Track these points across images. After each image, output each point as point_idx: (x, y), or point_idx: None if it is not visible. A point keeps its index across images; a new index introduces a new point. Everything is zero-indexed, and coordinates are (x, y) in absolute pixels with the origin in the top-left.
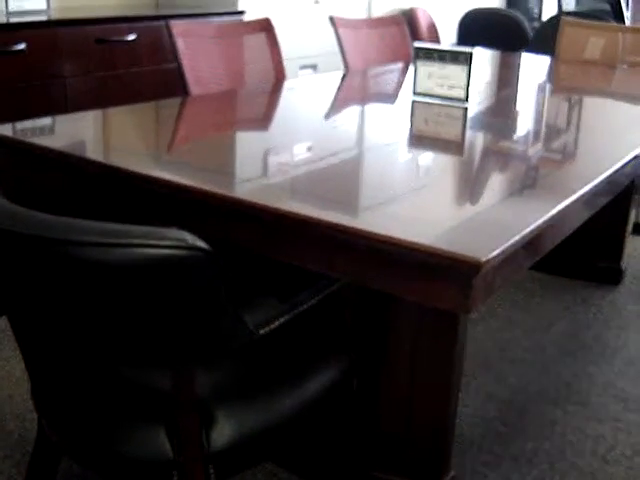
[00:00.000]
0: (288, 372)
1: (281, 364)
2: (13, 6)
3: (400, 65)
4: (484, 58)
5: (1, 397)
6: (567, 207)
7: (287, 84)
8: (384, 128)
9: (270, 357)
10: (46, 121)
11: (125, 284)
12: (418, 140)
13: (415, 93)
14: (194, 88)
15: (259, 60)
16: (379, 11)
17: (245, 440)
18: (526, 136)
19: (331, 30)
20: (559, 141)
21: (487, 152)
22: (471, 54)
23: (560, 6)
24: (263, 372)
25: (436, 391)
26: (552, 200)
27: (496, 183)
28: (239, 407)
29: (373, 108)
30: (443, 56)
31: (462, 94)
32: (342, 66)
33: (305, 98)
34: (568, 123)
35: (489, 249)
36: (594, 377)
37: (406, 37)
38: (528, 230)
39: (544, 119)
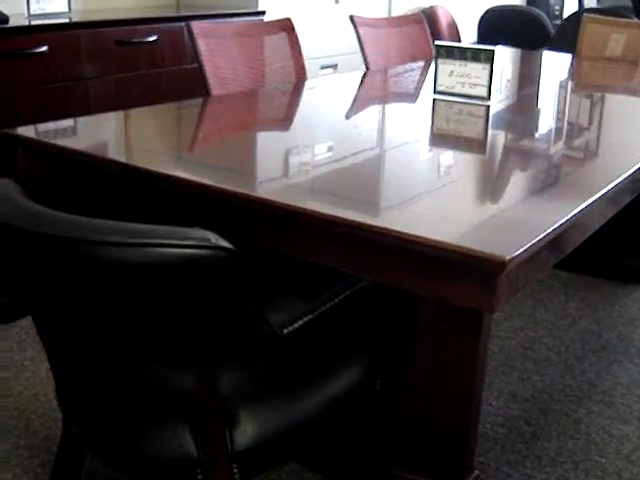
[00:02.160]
0: (311, 372)
1: (305, 364)
2: (35, 8)
3: (421, 64)
4: (505, 56)
5: (26, 397)
6: (590, 205)
7: (308, 84)
8: (405, 127)
9: (294, 357)
10: (68, 123)
11: (149, 284)
12: (440, 139)
13: (436, 92)
14: (215, 89)
15: (280, 60)
16: (399, 10)
17: (269, 440)
18: (548, 134)
19: (352, 30)
20: (581, 139)
21: (509, 150)
22: (493, 52)
23: (581, 3)
24: (287, 372)
25: (459, 390)
26: (575, 198)
27: (519, 181)
28: (263, 407)
29: (394, 107)
30: (464, 54)
31: (484, 92)
32: (363, 65)
33: (326, 98)
34: (590, 121)
35: (513, 247)
36: (618, 376)
37: (426, 35)
38: (552, 228)
39: (566, 117)
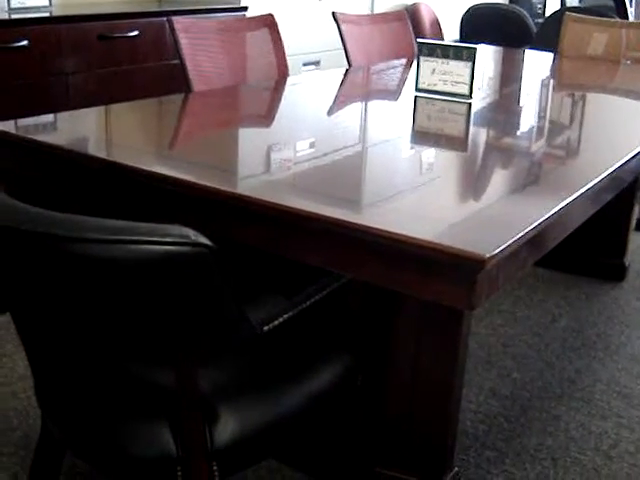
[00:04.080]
0: (292, 369)
1: (285, 361)
2: (15, 2)
3: (403, 61)
4: (487, 54)
5: (4, 394)
6: (571, 203)
7: (290, 80)
8: (387, 124)
9: (274, 354)
10: (48, 118)
11: (128, 281)
12: (421, 136)
13: (418, 89)
14: (196, 84)
15: (262, 56)
16: (382, 7)
17: (249, 437)
18: (530, 132)
19: (334, 26)
20: (563, 137)
21: (491, 148)
22: (475, 50)
23: (563, 2)
24: (267, 369)
25: (439, 387)
26: (556, 196)
27: (500, 179)
28: (243, 404)
29: (376, 104)
30: (446, 52)
31: (466, 90)
32: (345, 62)
33: (308, 94)
34: (571, 119)
35: (493, 245)
36: (598, 373)
37: (409, 33)
38: (532, 226)
39: (547, 115)
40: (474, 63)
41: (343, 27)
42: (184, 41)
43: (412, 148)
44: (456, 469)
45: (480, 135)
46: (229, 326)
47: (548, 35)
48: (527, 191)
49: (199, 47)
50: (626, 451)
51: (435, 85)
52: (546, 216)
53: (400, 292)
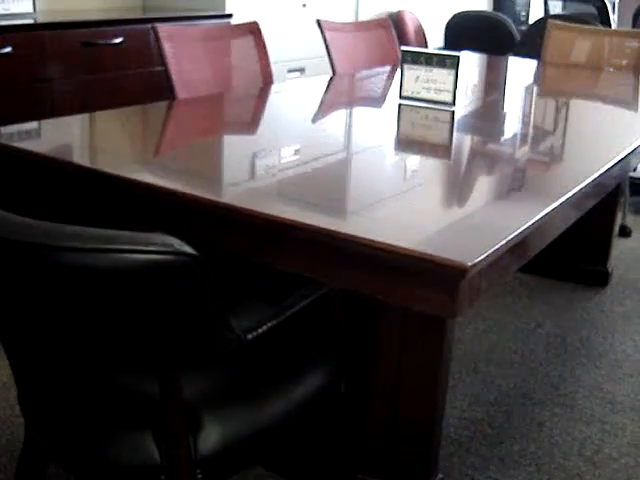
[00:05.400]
0: (276, 376)
1: (269, 368)
2: None
3: (387, 69)
4: (471, 61)
5: None
6: (554, 210)
7: (275, 88)
8: (371, 132)
9: (258, 362)
10: (32, 125)
11: (111, 289)
12: (405, 144)
13: (402, 97)
14: (181, 91)
15: (247, 63)
16: (367, 14)
17: (233, 445)
18: (513, 139)
19: (319, 33)
20: (546, 144)
21: (474, 155)
22: (458, 58)
23: (547, 9)
24: (251, 377)
25: (423, 394)
26: (539, 203)
27: (483, 186)
28: (227, 412)
29: (360, 112)
30: (430, 60)
31: (449, 98)
32: (330, 70)
33: (293, 102)
34: (555, 126)
35: (475, 253)
36: (581, 379)
37: (393, 40)
38: (515, 233)
39: (531, 122)
40: (457, 71)
41: (327, 34)
42: (168, 48)
43: (396, 155)
44: (440, 476)
45: (463, 142)
46: (213, 334)
47: (532, 42)
48: (510, 198)
49: (183, 54)
50: (609, 457)
51: (419, 93)
52: (529, 223)
53: (382, 300)
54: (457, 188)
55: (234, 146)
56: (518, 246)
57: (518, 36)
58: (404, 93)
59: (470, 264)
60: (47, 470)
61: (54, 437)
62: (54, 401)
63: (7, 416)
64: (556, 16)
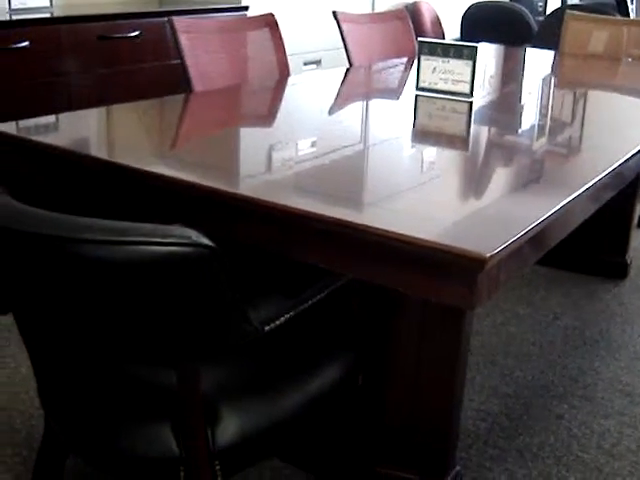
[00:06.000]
0: (293, 368)
1: (286, 360)
2: (16, 3)
3: (404, 60)
4: (488, 52)
5: (8, 394)
6: (572, 201)
7: (291, 80)
8: (388, 123)
9: (276, 353)
10: (50, 119)
11: (130, 281)
12: (422, 135)
13: (419, 88)
14: (197, 84)
15: (263, 56)
16: (383, 6)
17: (250, 436)
18: (531, 130)
19: (335, 25)
20: (564, 135)
21: (492, 146)
22: (476, 48)
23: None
24: (269, 369)
25: (441, 386)
26: (557, 194)
27: (501, 178)
28: (244, 404)
29: (377, 103)
30: (447, 51)
31: (467, 89)
32: (346, 61)
33: (309, 94)
34: (573, 117)
35: (494, 244)
36: (600, 372)
37: (410, 32)
38: (533, 225)
39: (549, 113)
40: (475, 62)
41: (344, 26)
42: (185, 41)
43: (413, 147)
44: (458, 468)
45: (481, 133)
46: (230, 326)
47: (549, 33)
48: (528, 189)
49: (200, 47)
50: (628, 449)
51: (436, 84)
52: (547, 214)
53: (401, 291)
54: (475, 180)
55: (251, 138)
56: (537, 237)
57: (535, 27)
58: (421, 84)
59: (489, 255)
60: (66, 462)
61: (73, 429)
62: (73, 393)
63: (27, 408)
64: (574, 6)
